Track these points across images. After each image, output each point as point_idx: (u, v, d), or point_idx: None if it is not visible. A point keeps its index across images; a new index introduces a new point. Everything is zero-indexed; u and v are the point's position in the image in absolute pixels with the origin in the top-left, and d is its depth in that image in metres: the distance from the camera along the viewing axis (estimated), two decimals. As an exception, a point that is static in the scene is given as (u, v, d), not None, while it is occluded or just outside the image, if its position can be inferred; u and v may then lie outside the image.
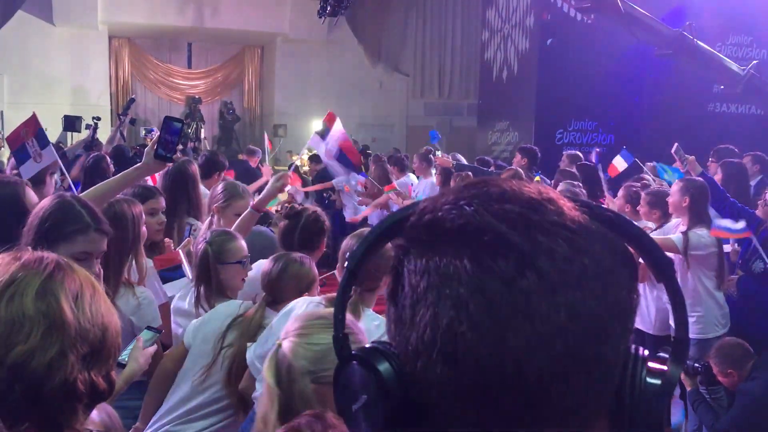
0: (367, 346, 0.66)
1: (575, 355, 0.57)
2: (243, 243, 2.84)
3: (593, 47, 10.80)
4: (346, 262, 0.68)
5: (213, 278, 2.72)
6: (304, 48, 17.74)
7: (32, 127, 3.62)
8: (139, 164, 2.72)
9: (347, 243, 2.52)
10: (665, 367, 0.63)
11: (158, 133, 2.64)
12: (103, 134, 9.10)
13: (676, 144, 5.24)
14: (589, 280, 0.58)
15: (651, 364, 0.62)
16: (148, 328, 2.31)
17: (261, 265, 3.22)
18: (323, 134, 4.24)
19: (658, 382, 0.62)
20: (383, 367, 0.63)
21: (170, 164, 2.78)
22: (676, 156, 5.23)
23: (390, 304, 0.64)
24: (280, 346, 1.69)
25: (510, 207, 0.59)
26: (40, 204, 2.17)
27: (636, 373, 0.61)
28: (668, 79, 10.78)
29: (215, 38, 18.49)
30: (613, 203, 5.02)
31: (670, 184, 4.97)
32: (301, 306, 2.38)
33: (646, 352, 0.63)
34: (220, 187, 3.76)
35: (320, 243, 3.14)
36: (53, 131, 12.37)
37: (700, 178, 4.52)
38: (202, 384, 2.44)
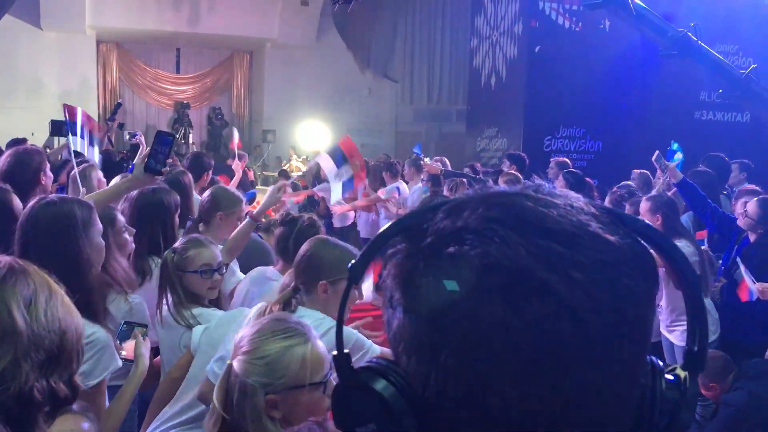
0: (372, 365, 0.62)
1: (610, 403, 0.56)
2: (212, 251, 2.77)
3: (581, 55, 10.87)
4: (349, 267, 0.63)
5: (177, 286, 2.70)
6: (293, 54, 17.74)
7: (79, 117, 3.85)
8: (129, 177, 2.73)
9: (303, 248, 2.46)
10: (681, 376, 0.61)
11: (146, 145, 2.65)
12: (90, 139, 9.03)
13: (656, 152, 5.28)
14: (629, 324, 0.56)
15: (668, 376, 0.61)
16: (127, 323, 2.28)
17: (252, 277, 3.19)
18: (337, 161, 4.18)
19: (677, 395, 0.60)
20: (389, 394, 0.59)
21: (160, 177, 2.76)
22: (656, 164, 5.27)
23: (398, 314, 0.59)
24: (231, 366, 1.67)
25: (546, 244, 0.54)
26: (41, 215, 2.08)
27: (655, 388, 0.60)
28: (655, 86, 10.85)
29: (204, 43, 18.46)
30: None
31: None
32: (254, 312, 2.35)
33: (661, 363, 0.62)
34: (207, 195, 3.71)
35: None
36: (40, 135, 12.30)
37: (665, 194, 4.57)
38: None
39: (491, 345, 0.54)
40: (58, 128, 10.68)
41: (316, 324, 2.23)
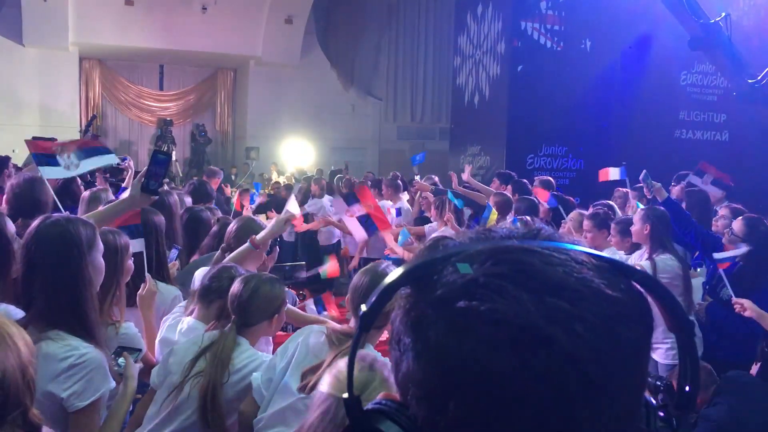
0: (382, 408, 0.63)
1: None
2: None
3: (563, 74, 11.00)
4: (360, 314, 0.64)
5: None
6: (277, 71, 17.79)
7: (76, 145, 4.11)
8: (124, 197, 2.72)
9: (358, 279, 2.44)
10: (673, 415, 0.64)
11: (134, 169, 2.63)
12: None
13: (644, 171, 5.33)
14: (629, 371, 0.59)
15: (660, 414, 0.64)
16: (121, 347, 2.26)
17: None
18: (349, 201, 4.26)
19: None
20: None
21: (155, 198, 2.74)
22: (643, 182, 5.32)
23: (407, 359, 0.61)
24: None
25: (551, 300, 0.56)
26: (46, 234, 2.09)
27: (650, 426, 0.63)
28: (636, 105, 11.00)
29: (188, 60, 18.47)
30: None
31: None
32: (307, 335, 2.37)
33: (654, 401, 0.64)
34: (235, 224, 3.62)
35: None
36: (22, 153, 12.19)
37: (660, 207, 4.61)
38: (173, 412, 2.40)
39: (499, 396, 0.56)
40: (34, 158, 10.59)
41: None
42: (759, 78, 9.30)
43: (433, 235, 6.07)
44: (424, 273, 0.62)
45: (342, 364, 1.75)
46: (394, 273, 0.63)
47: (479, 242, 0.64)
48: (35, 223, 2.13)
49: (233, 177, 15.19)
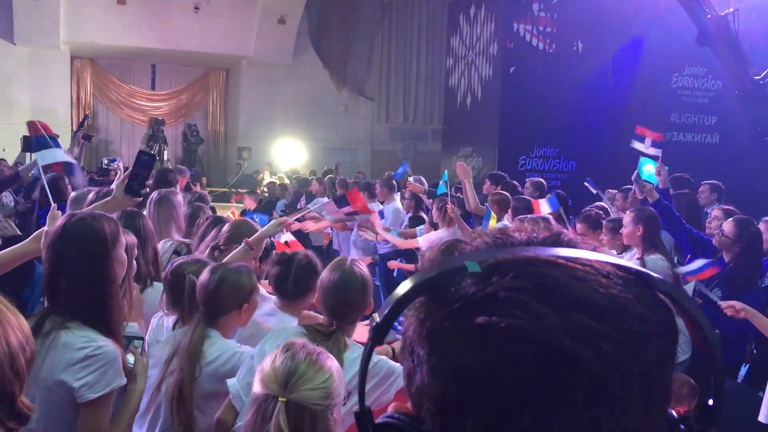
0: (394, 422, 0.61)
1: None
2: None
3: (554, 76, 11.04)
4: (373, 326, 0.62)
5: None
6: (269, 71, 17.77)
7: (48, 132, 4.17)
8: (108, 198, 2.71)
9: (328, 276, 2.42)
10: (695, 429, 0.62)
11: (129, 167, 2.62)
12: (64, 156, 8.95)
13: (636, 172, 5.36)
14: (654, 388, 0.57)
15: (683, 426, 0.62)
16: (126, 337, 2.25)
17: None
18: (339, 204, 4.40)
19: None
20: None
21: (139, 199, 2.73)
22: (635, 183, 5.34)
23: (421, 371, 0.59)
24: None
25: (576, 317, 0.54)
26: (73, 231, 2.08)
27: None
28: (627, 107, 11.04)
29: (180, 60, 18.41)
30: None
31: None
32: (282, 332, 2.35)
33: (675, 414, 0.62)
34: (229, 226, 3.62)
35: (314, 285, 3.09)
36: (12, 152, 12.15)
37: (649, 208, 4.62)
38: (156, 413, 2.40)
39: (521, 415, 0.54)
40: (30, 144, 10.54)
41: (355, 357, 2.27)
42: (763, 75, 9.33)
43: (444, 238, 6.01)
44: (441, 283, 0.59)
45: (266, 361, 1.71)
46: (408, 282, 0.60)
47: (497, 249, 0.61)
48: (61, 220, 2.13)
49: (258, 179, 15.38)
